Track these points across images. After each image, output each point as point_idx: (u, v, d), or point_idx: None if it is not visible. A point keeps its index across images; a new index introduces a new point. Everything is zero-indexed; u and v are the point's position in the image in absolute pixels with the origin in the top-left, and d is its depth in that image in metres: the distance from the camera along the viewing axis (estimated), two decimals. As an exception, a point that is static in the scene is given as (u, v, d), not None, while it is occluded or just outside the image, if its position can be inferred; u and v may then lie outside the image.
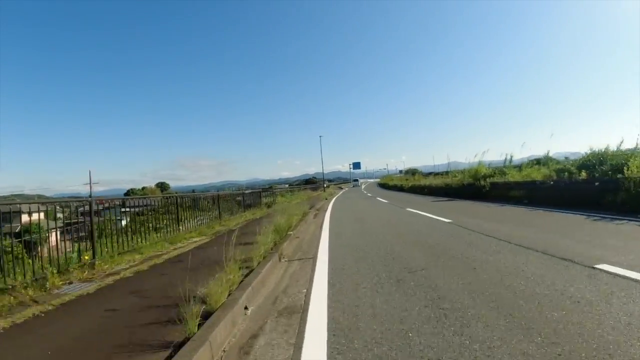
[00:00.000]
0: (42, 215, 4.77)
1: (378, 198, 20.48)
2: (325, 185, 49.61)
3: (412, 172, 52.34)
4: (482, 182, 14.43)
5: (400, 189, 32.68)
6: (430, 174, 45.84)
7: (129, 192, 70.86)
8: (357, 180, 77.70)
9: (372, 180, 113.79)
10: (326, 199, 23.49)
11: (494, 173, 15.18)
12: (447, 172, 26.01)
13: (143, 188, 79.33)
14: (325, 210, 13.48)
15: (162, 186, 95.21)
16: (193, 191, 11.08)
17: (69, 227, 5.99)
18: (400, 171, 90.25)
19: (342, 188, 58.69)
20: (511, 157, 16.19)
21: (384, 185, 50.30)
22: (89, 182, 39.59)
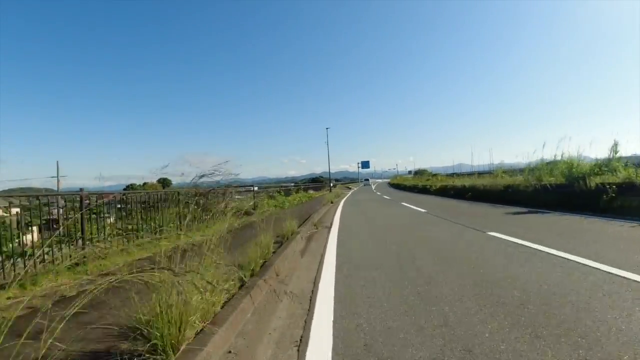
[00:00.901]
0: None
1: (404, 204, 14.64)
2: (331, 185, 43.68)
3: (433, 173, 46.73)
4: (590, 184, 8.77)
5: (422, 190, 26.85)
6: (436, 174, 40.02)
7: (129, 187, 67.23)
8: (367, 179, 72.30)
9: (380, 180, 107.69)
10: (332, 203, 17.75)
11: (601, 170, 9.52)
12: (489, 172, 20.34)
13: (144, 184, 75.18)
14: (329, 228, 7.87)
15: (164, 182, 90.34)
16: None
17: None
18: (410, 171, 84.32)
19: (350, 188, 52.77)
20: (616, 145, 10.39)
21: (397, 186, 44.44)
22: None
